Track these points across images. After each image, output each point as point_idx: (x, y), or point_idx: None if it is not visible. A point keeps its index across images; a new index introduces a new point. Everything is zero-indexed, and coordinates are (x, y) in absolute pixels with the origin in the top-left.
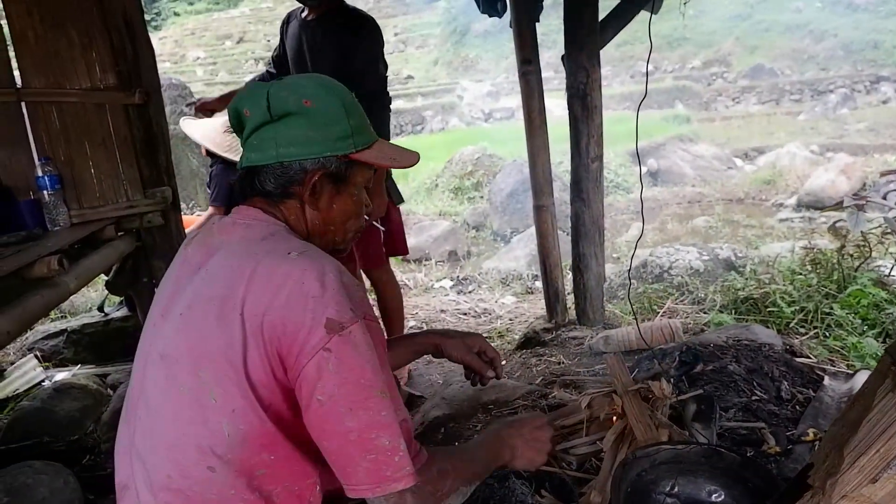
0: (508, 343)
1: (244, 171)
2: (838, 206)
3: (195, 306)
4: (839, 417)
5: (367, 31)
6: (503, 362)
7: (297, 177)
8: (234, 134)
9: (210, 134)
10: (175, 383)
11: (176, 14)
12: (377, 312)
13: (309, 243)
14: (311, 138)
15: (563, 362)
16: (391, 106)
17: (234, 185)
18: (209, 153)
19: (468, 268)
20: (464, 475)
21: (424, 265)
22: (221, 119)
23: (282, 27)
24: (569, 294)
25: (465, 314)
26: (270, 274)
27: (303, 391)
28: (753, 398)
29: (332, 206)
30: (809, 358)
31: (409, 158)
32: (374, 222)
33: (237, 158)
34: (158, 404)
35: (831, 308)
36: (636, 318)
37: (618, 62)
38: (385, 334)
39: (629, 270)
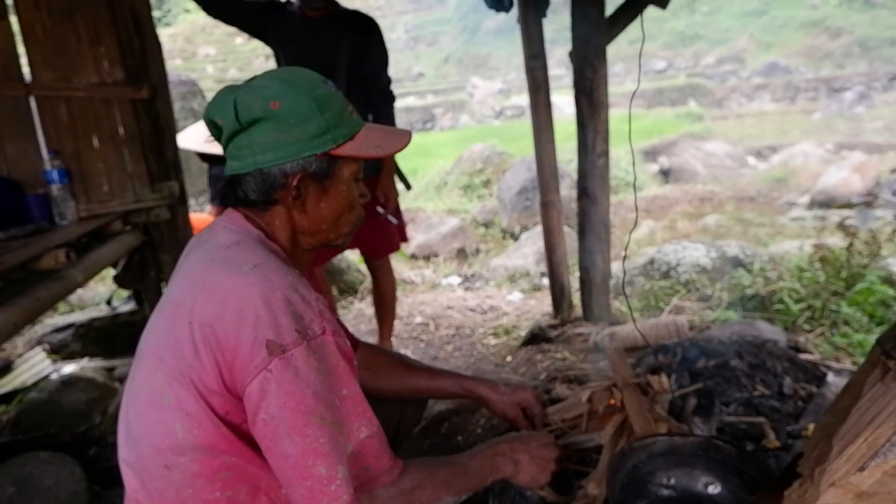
0: (514, 339)
1: (228, 180)
2: (847, 204)
3: (163, 306)
4: (829, 407)
5: (375, 34)
6: (510, 358)
7: (278, 182)
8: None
9: (196, 136)
10: (139, 381)
11: (186, 11)
12: (372, 302)
13: (269, 255)
14: (285, 141)
15: (567, 358)
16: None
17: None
18: (204, 158)
19: (476, 265)
20: (449, 487)
21: (433, 262)
22: (202, 122)
23: (268, 9)
24: (575, 290)
25: (472, 310)
26: (219, 285)
27: (249, 407)
28: (755, 393)
29: (321, 205)
30: (814, 355)
31: (397, 143)
32: (389, 216)
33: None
34: (129, 399)
35: (839, 305)
36: (632, 313)
37: (630, 59)
38: (351, 346)
39: (623, 261)
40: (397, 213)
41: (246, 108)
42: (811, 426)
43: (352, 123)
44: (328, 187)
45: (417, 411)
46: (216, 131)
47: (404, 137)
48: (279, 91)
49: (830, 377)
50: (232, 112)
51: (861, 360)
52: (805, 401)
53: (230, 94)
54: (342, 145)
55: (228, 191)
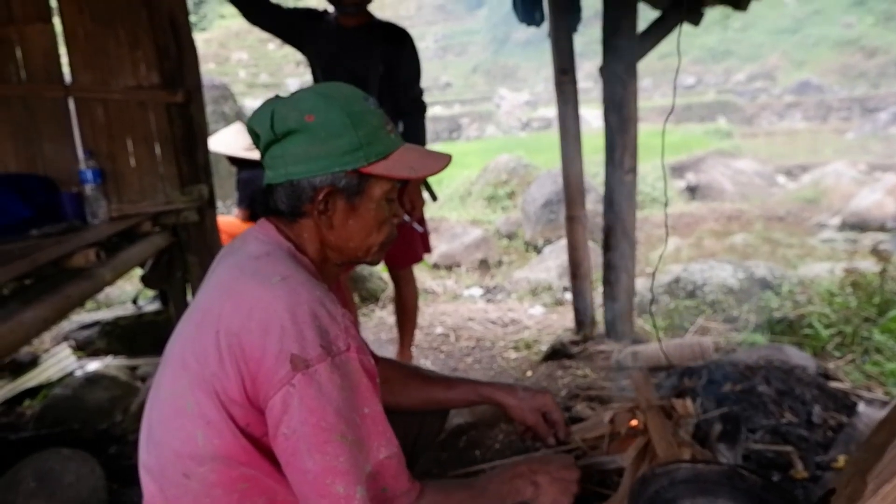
0: (535, 354)
1: (265, 189)
2: (881, 227)
3: (191, 313)
4: (864, 442)
5: (409, 44)
6: (530, 373)
7: (307, 195)
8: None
9: (227, 140)
10: (164, 386)
11: (221, 16)
12: (393, 310)
13: (298, 268)
14: (316, 154)
15: (588, 376)
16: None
17: (256, 194)
18: (233, 162)
19: (498, 276)
20: None
21: (455, 272)
22: (235, 126)
23: (306, 18)
24: (598, 307)
25: (493, 323)
26: (247, 296)
27: (271, 420)
28: (783, 421)
29: (348, 221)
30: (844, 383)
31: (432, 165)
32: (415, 224)
33: (255, 155)
34: (154, 404)
35: (870, 332)
36: (658, 332)
37: (660, 74)
38: (375, 363)
39: (652, 286)
40: (422, 222)
41: (281, 120)
42: (841, 457)
43: (387, 142)
44: (357, 205)
45: (438, 423)
46: (256, 140)
47: (441, 161)
48: (315, 104)
49: (861, 407)
50: (269, 122)
51: (894, 390)
52: (834, 430)
53: (271, 105)
54: (374, 164)
55: (263, 200)
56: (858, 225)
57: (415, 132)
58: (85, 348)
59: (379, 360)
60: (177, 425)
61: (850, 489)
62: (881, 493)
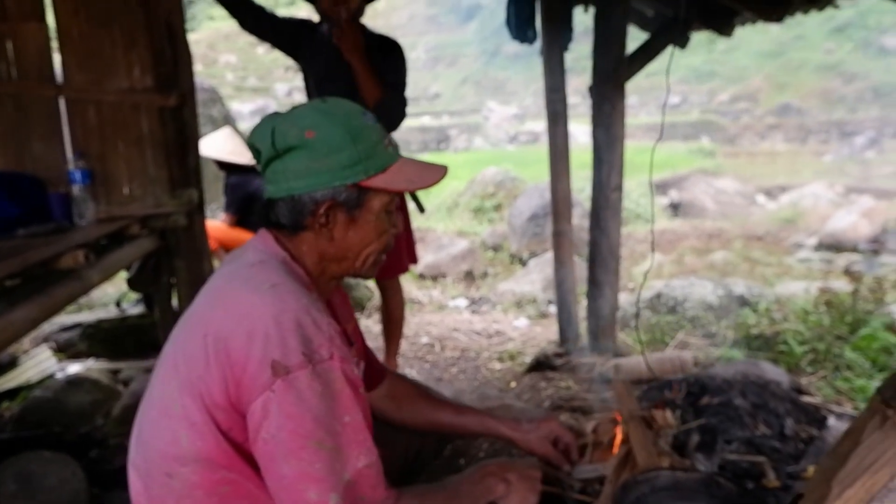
0: (519, 365)
1: (266, 203)
2: (855, 248)
3: (186, 317)
4: (830, 451)
5: (398, 54)
6: (514, 384)
7: (308, 209)
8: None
9: (216, 144)
10: (156, 388)
11: (210, 18)
12: (379, 319)
13: (289, 277)
14: (317, 169)
15: (571, 388)
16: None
17: (249, 197)
18: (221, 166)
19: (484, 288)
20: None
21: (440, 282)
22: (225, 130)
23: (301, 28)
24: (582, 320)
25: (478, 333)
26: (236, 302)
27: (251, 425)
28: (757, 433)
29: (348, 234)
30: (815, 397)
31: (430, 177)
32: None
33: (244, 160)
34: (146, 404)
35: (842, 350)
36: (643, 347)
37: (646, 92)
38: (384, 377)
39: (637, 301)
40: (408, 232)
41: (282, 136)
42: (811, 468)
43: (385, 156)
44: (357, 217)
45: (438, 441)
46: (258, 156)
47: (437, 173)
48: (315, 121)
49: (831, 421)
50: (269, 139)
51: (862, 405)
52: (806, 443)
53: (271, 121)
54: (373, 177)
55: (265, 214)
56: (834, 246)
57: (387, 112)
58: (66, 350)
59: (389, 374)
60: (163, 426)
61: (816, 494)
62: (844, 497)
